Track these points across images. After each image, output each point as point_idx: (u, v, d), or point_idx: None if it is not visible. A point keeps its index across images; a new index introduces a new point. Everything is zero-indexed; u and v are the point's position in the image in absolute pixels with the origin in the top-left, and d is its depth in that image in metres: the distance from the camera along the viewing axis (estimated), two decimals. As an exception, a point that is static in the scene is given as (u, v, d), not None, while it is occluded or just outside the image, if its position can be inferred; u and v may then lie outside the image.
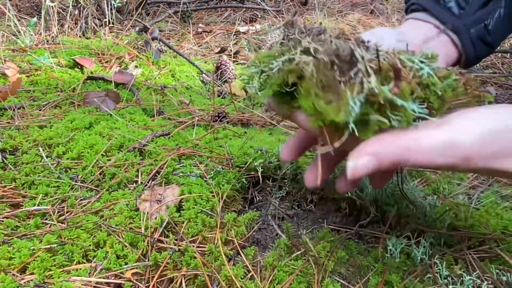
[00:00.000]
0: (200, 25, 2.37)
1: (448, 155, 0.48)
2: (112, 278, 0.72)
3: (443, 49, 0.81)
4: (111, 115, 1.19)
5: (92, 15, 2.01)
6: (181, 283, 0.72)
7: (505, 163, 0.50)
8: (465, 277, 0.72)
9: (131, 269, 0.73)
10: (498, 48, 1.90)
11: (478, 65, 1.80)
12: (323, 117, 0.47)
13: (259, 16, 2.49)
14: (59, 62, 1.53)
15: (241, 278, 0.72)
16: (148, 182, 0.93)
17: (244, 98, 1.45)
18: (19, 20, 2.00)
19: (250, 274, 0.74)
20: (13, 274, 0.70)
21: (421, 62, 0.50)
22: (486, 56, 0.89)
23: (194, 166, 0.99)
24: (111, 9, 2.06)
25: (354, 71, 0.48)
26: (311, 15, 2.50)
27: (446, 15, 0.81)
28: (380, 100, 0.47)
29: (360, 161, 0.48)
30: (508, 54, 1.82)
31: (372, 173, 0.49)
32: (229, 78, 1.60)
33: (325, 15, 2.45)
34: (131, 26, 2.05)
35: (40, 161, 0.98)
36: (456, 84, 0.53)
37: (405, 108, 0.47)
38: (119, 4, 2.07)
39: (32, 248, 0.75)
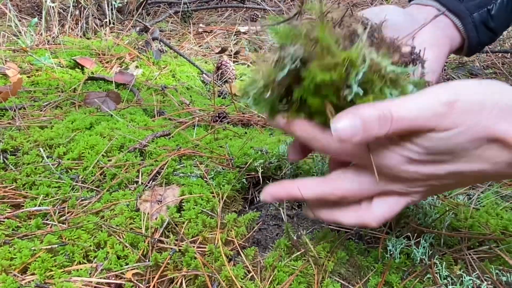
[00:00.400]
0: (201, 25, 2.38)
1: (428, 113, 0.49)
2: (113, 278, 0.72)
3: (447, 31, 0.82)
4: (111, 115, 1.19)
5: (92, 15, 2.01)
6: (181, 283, 0.72)
7: (493, 125, 0.49)
8: (464, 278, 0.72)
9: (131, 269, 0.73)
10: (499, 48, 1.90)
11: (478, 65, 1.80)
12: (327, 89, 0.51)
13: (260, 16, 2.49)
14: (59, 62, 1.54)
15: (241, 279, 0.72)
16: (148, 183, 0.94)
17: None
18: (20, 21, 2.00)
19: (250, 274, 0.74)
20: (14, 275, 0.71)
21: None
22: (489, 43, 0.90)
23: (194, 166, 1.00)
24: (111, 9, 2.07)
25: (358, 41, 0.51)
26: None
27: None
28: (383, 70, 0.50)
29: (344, 123, 0.49)
30: (509, 54, 1.82)
31: (358, 137, 0.50)
32: (229, 78, 1.60)
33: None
34: (131, 26, 2.05)
35: (41, 162, 0.99)
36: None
37: (405, 74, 0.52)
38: (120, 5, 2.07)
39: (33, 248, 0.75)
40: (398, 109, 0.49)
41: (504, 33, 2.07)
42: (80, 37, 1.94)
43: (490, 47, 1.87)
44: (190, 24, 2.35)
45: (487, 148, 0.51)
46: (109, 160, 1.00)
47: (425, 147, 0.51)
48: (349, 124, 0.49)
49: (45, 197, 0.89)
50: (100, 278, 0.71)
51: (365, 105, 0.50)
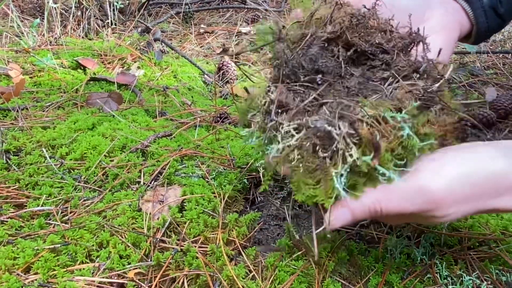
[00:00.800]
0: (202, 25, 2.38)
1: (418, 202, 0.51)
2: (115, 278, 0.73)
3: (456, 15, 0.82)
4: (113, 116, 1.20)
5: (94, 16, 2.02)
6: (183, 283, 0.72)
7: (482, 205, 0.51)
8: (464, 277, 0.73)
9: (134, 269, 0.74)
10: (500, 48, 1.91)
11: (479, 65, 1.80)
12: (315, 199, 0.54)
13: (261, 16, 2.50)
14: (62, 63, 1.54)
15: (243, 278, 0.73)
16: (150, 183, 0.94)
17: (245, 99, 1.46)
18: (22, 21, 2.01)
19: (252, 274, 0.75)
20: (18, 274, 0.71)
21: (404, 120, 0.54)
22: (498, 30, 0.90)
23: (196, 167, 1.00)
24: (113, 10, 2.07)
25: (334, 146, 0.53)
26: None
27: None
28: (364, 170, 0.52)
29: (336, 214, 0.53)
30: (510, 54, 1.82)
31: (349, 224, 0.54)
32: (230, 79, 1.60)
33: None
34: (133, 27, 2.06)
35: (44, 162, 0.99)
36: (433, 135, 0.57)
37: (387, 175, 0.53)
38: (122, 6, 2.08)
39: (36, 248, 0.76)
40: (387, 203, 0.52)
41: (505, 33, 2.08)
42: (82, 37, 1.95)
43: (491, 47, 1.87)
44: (191, 24, 2.36)
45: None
46: (111, 161, 1.00)
47: None
48: (341, 219, 0.53)
49: (48, 197, 0.89)
50: (103, 277, 0.72)
51: (354, 201, 0.53)
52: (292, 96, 0.60)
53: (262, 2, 2.67)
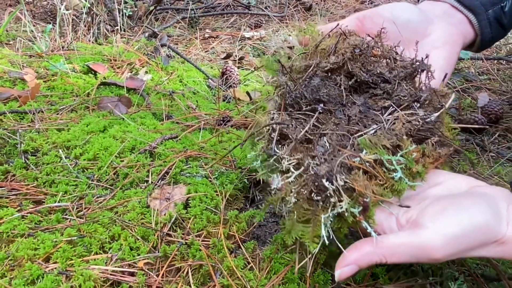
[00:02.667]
0: (207, 30, 2.46)
1: (419, 257, 0.55)
2: (126, 267, 0.80)
3: (460, 27, 0.82)
4: (123, 119, 1.28)
5: (104, 22, 2.10)
6: (187, 272, 0.80)
7: (470, 254, 0.55)
8: (444, 270, 0.79)
9: (143, 259, 0.82)
10: (495, 55, 1.97)
11: (473, 71, 1.86)
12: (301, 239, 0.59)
13: (264, 21, 2.57)
14: (74, 68, 1.63)
15: (242, 269, 0.80)
16: (158, 182, 1.02)
17: (247, 103, 1.53)
18: (34, 26, 2.09)
19: (250, 265, 0.82)
20: (39, 263, 0.79)
21: (399, 163, 0.58)
22: (500, 39, 0.91)
23: (200, 167, 1.08)
24: (122, 15, 2.16)
25: (328, 193, 0.57)
26: (314, 21, 2.57)
27: None
28: (349, 221, 0.57)
29: (344, 270, 0.57)
30: (504, 61, 1.88)
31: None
32: (234, 83, 1.68)
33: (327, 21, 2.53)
34: (141, 32, 2.14)
35: (59, 162, 1.07)
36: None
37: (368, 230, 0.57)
38: (130, 13, 2.16)
39: (54, 240, 0.83)
40: (391, 256, 0.55)
41: (501, 40, 2.13)
42: (92, 42, 2.03)
43: (485, 54, 1.93)
44: (197, 29, 2.44)
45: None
46: (122, 161, 1.08)
47: None
48: (348, 273, 0.57)
49: (64, 194, 0.97)
50: (115, 266, 0.80)
51: (360, 256, 0.57)
52: (294, 124, 0.64)
53: (265, 8, 2.74)
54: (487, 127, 1.46)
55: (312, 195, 0.58)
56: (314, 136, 0.62)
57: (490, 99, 1.59)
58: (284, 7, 2.76)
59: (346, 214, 0.57)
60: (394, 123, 0.62)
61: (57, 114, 1.31)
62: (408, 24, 0.77)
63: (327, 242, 0.57)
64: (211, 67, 1.93)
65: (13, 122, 1.24)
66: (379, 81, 0.67)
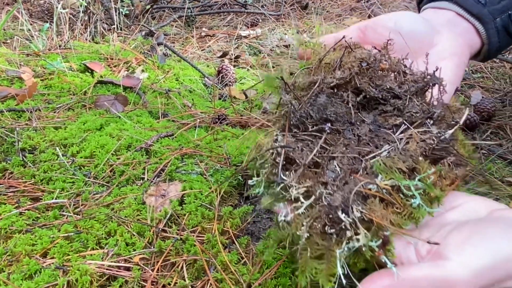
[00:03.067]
0: (204, 29, 2.47)
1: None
2: (122, 262, 0.82)
3: (466, 36, 0.79)
4: (120, 117, 1.29)
5: (101, 20, 2.11)
6: (182, 267, 0.82)
7: (502, 286, 0.50)
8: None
9: (138, 254, 0.83)
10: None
11: (467, 69, 1.88)
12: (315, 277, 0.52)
13: (260, 20, 2.58)
14: (71, 66, 1.64)
15: (235, 263, 0.82)
16: (153, 179, 1.04)
17: (243, 101, 1.55)
18: (31, 24, 2.10)
19: (243, 260, 0.84)
20: (36, 258, 0.81)
21: (417, 188, 0.53)
22: (506, 48, 0.87)
23: (195, 164, 1.10)
24: (118, 14, 2.17)
25: (343, 225, 0.51)
26: (310, 19, 2.59)
27: (471, 2, 0.78)
28: (366, 256, 0.50)
29: None
30: (497, 59, 1.90)
31: None
32: (229, 81, 1.69)
33: (323, 20, 2.55)
34: (138, 31, 2.16)
35: (57, 160, 1.09)
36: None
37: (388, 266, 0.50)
38: (127, 12, 2.17)
39: (51, 236, 0.85)
40: (412, 287, 0.49)
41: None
42: (89, 41, 2.04)
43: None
44: (193, 28, 2.45)
45: None
46: (118, 158, 1.10)
47: None
48: None
49: (61, 191, 0.99)
50: (111, 261, 0.81)
51: (375, 285, 0.49)
52: (301, 147, 0.58)
53: (262, 6, 2.76)
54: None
55: (326, 228, 0.52)
56: (322, 160, 0.57)
57: (483, 97, 1.62)
58: (280, 5, 2.77)
59: (364, 248, 0.51)
60: (407, 143, 0.57)
61: (54, 112, 1.32)
62: (413, 34, 0.73)
63: (344, 281, 0.50)
64: (208, 66, 1.94)
65: (11, 121, 1.25)
66: (389, 97, 0.63)
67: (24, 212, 0.92)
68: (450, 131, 0.57)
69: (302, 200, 0.54)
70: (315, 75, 0.64)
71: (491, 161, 1.24)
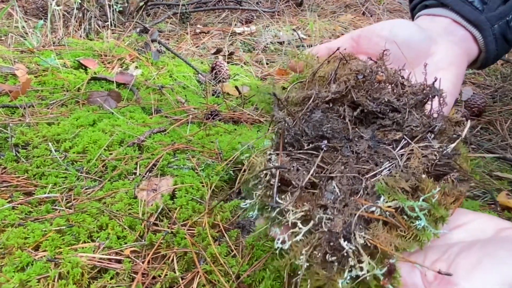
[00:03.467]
0: (198, 26, 2.48)
1: None
2: (113, 255, 0.83)
3: (464, 45, 0.76)
4: (112, 113, 1.30)
5: (95, 17, 2.12)
6: (172, 259, 0.83)
7: None
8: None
9: (129, 247, 0.85)
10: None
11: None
12: None
13: (255, 17, 2.59)
14: (64, 63, 1.65)
15: (225, 256, 0.84)
16: (145, 174, 1.05)
17: (236, 97, 1.56)
18: (26, 22, 2.11)
19: (233, 252, 0.85)
20: (28, 251, 0.82)
21: (421, 209, 0.50)
22: (504, 54, 0.84)
23: (187, 159, 1.11)
24: (113, 11, 2.17)
25: (345, 252, 0.47)
26: (305, 16, 2.60)
27: (468, 9, 0.75)
28: (371, 286, 0.47)
29: None
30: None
31: None
32: (223, 78, 1.71)
33: (317, 16, 2.56)
34: (132, 28, 2.16)
35: (49, 155, 1.10)
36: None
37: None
38: (121, 8, 2.18)
39: (44, 229, 0.86)
40: None
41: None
42: (83, 38, 2.05)
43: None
44: (188, 25, 2.46)
45: None
46: (110, 154, 1.11)
47: None
48: None
49: (54, 186, 1.00)
50: (102, 254, 0.83)
51: None
52: (296, 166, 0.55)
53: (256, 3, 2.76)
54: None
55: (327, 257, 0.48)
56: (320, 180, 0.54)
57: (474, 93, 1.63)
58: (275, 2, 2.78)
59: (368, 277, 0.47)
60: (409, 159, 0.54)
61: (48, 108, 1.33)
62: (409, 43, 0.70)
63: None
64: (202, 62, 1.95)
65: (4, 117, 1.26)
66: (388, 110, 0.60)
67: (17, 207, 0.93)
68: (452, 145, 0.54)
69: (300, 226, 0.50)
70: (309, 89, 0.61)
71: (480, 156, 1.25)
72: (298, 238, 0.50)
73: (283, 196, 0.53)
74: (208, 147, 1.16)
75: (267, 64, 1.97)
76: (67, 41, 1.87)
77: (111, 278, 0.79)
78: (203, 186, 1.00)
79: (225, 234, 0.89)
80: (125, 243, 0.86)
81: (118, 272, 0.80)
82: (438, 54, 0.72)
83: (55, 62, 1.61)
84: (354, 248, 0.47)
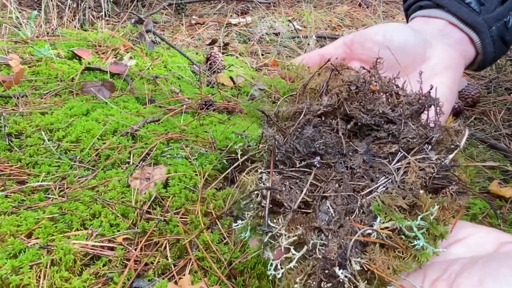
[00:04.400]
0: (194, 17, 2.47)
1: None
2: (106, 242, 0.84)
3: (460, 48, 0.73)
4: (106, 103, 1.30)
5: (89, 8, 2.10)
6: (165, 246, 0.84)
7: None
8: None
9: (122, 235, 0.85)
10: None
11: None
12: None
13: (251, 8, 2.58)
14: (58, 53, 1.64)
15: (217, 243, 0.84)
16: (139, 163, 1.05)
17: (231, 88, 1.56)
18: (20, 12, 2.09)
19: (225, 240, 0.86)
20: (21, 238, 0.82)
21: (420, 228, 0.48)
22: (501, 56, 0.81)
23: (180, 149, 1.11)
24: (107, 1, 2.16)
25: (340, 279, 0.46)
26: (301, 8, 2.59)
27: (465, 10, 0.73)
28: None
29: None
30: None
31: None
32: (218, 69, 1.70)
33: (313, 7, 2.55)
34: (127, 19, 2.15)
35: (43, 144, 1.10)
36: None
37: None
38: (115, -1, 2.16)
39: (36, 217, 0.86)
40: None
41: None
42: (78, 29, 2.04)
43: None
44: (183, 16, 2.45)
45: None
46: (104, 143, 1.11)
47: None
48: None
49: (47, 174, 1.00)
50: (95, 241, 0.83)
51: None
52: (288, 185, 0.52)
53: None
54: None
55: (322, 284, 0.47)
56: (314, 200, 0.51)
57: (468, 84, 1.64)
58: (271, -7, 2.77)
59: None
60: (405, 173, 0.52)
61: (41, 98, 1.33)
62: (403, 48, 0.67)
63: None
64: (197, 53, 1.94)
65: (-3, 106, 1.26)
66: (382, 122, 0.57)
67: (10, 195, 0.93)
68: (450, 156, 0.52)
69: (294, 251, 0.48)
70: (300, 103, 0.58)
71: (472, 145, 1.26)
72: (291, 265, 0.48)
73: (275, 220, 0.50)
74: (201, 136, 1.16)
75: (262, 55, 1.97)
76: (61, 32, 1.86)
77: (104, 265, 0.79)
78: (196, 175, 1.01)
79: (218, 222, 0.90)
80: (118, 231, 0.86)
81: (110, 259, 0.80)
82: (434, 58, 0.70)
83: (49, 52, 1.60)
84: (350, 275, 0.45)
